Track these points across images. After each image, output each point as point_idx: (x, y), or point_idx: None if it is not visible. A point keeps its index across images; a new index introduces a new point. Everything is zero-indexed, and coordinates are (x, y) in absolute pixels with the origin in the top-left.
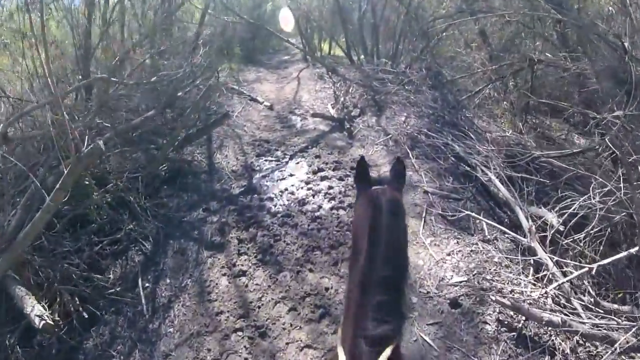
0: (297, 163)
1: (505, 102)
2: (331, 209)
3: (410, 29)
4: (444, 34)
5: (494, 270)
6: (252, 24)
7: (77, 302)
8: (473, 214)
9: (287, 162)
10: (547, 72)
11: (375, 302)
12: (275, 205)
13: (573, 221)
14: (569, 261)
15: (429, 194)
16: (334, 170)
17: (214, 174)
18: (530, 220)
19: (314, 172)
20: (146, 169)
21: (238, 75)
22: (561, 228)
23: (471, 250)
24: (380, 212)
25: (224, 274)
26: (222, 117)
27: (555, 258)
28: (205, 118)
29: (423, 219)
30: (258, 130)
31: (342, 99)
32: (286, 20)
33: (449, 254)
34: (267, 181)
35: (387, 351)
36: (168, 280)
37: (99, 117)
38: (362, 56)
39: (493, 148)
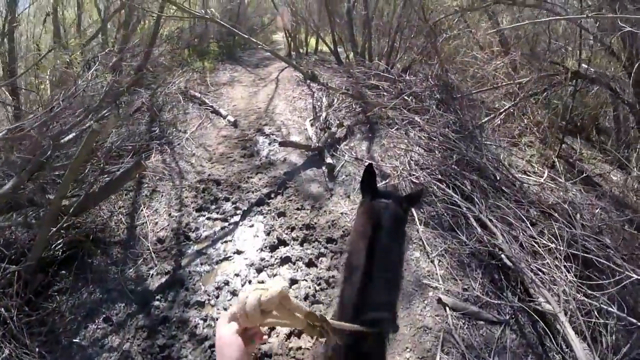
0: (251, 226)
1: (534, 127)
2: (289, 336)
3: (408, 23)
4: (455, 31)
5: None
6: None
7: None
8: None
9: (236, 224)
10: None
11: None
12: (205, 321)
13: None
14: None
15: (447, 309)
16: (302, 243)
17: (132, 247)
18: None
19: (272, 248)
20: (31, 254)
21: (207, 77)
22: None
23: None
24: (380, 229)
25: None
26: (130, 168)
27: None
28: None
29: None
30: (209, 163)
31: (323, 114)
32: None
33: None
34: (201, 261)
35: None
36: None
37: None
38: (352, 54)
39: (559, 247)
